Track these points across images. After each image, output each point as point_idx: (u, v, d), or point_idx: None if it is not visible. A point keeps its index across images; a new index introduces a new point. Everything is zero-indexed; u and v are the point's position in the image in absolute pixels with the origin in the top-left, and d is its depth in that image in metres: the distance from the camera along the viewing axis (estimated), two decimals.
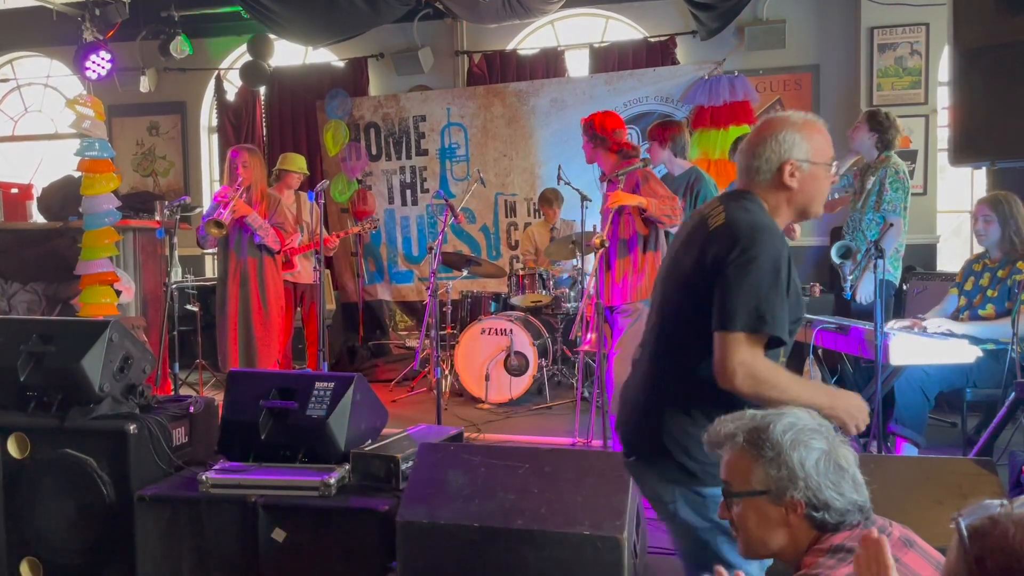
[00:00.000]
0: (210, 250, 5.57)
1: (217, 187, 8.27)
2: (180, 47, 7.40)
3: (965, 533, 1.01)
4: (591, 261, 6.23)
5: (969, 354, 3.54)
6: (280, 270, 5.23)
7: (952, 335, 3.79)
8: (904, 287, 5.97)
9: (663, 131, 4.70)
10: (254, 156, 5.07)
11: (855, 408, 1.91)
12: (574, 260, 6.07)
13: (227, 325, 4.99)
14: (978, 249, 4.34)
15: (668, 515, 1.98)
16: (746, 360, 1.81)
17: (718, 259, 1.87)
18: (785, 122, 1.99)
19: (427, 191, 7.46)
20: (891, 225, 4.29)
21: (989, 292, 3.90)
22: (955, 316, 4.02)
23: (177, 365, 5.15)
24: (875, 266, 3.58)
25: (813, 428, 1.58)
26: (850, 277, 4.49)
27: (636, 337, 4.08)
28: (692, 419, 1.91)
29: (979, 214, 4.00)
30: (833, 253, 4.63)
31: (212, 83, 8.25)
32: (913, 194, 6.36)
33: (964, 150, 3.43)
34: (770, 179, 1.97)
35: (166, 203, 6.42)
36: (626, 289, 4.07)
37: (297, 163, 5.99)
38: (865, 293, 4.36)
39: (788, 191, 1.97)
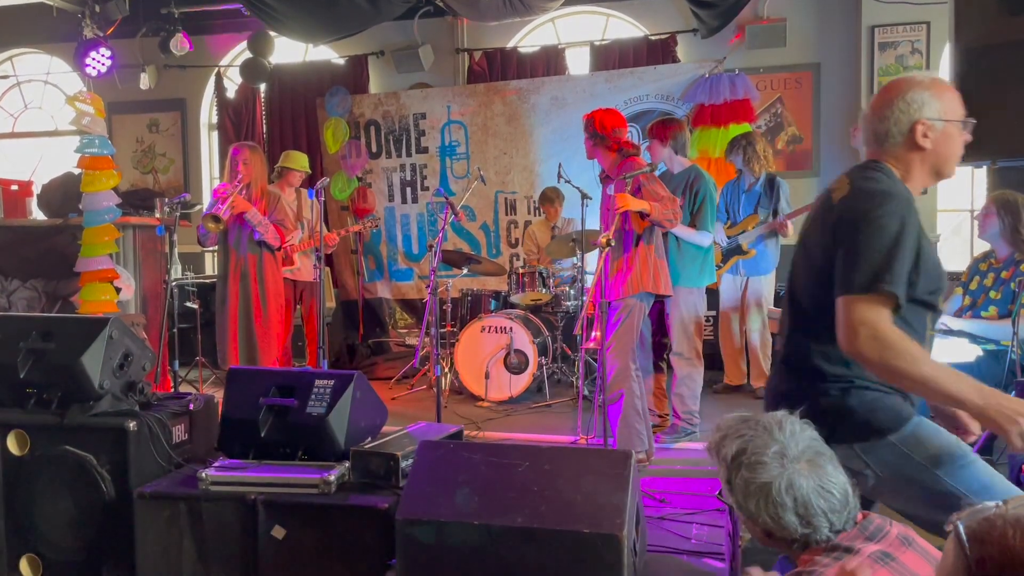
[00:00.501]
0: (211, 248, 5.55)
1: (217, 184, 8.28)
2: (180, 44, 7.40)
3: (964, 536, 1.01)
4: (592, 259, 6.25)
5: (969, 353, 3.54)
6: (280, 267, 5.23)
7: (950, 331, 3.78)
8: None
9: (664, 129, 4.70)
10: (255, 153, 5.07)
11: (1014, 411, 1.69)
12: (574, 258, 6.08)
13: (227, 322, 4.98)
14: (980, 247, 4.34)
15: (874, 482, 1.89)
16: (868, 320, 1.75)
17: (840, 228, 1.85)
18: (911, 82, 1.95)
19: (427, 189, 7.46)
20: None
21: (992, 293, 3.89)
22: (958, 315, 4.02)
23: (177, 362, 5.14)
24: None
25: (759, 457, 1.53)
26: None
27: (629, 332, 4.10)
28: (831, 393, 1.88)
29: (984, 207, 4.00)
30: None
31: (212, 80, 8.25)
32: None
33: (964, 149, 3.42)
34: (902, 142, 1.93)
35: (166, 200, 6.41)
36: (618, 284, 4.07)
37: (299, 161, 5.99)
38: None
39: (921, 152, 1.93)
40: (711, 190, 4.69)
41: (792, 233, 5.51)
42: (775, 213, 5.49)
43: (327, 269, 7.18)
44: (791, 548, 1.54)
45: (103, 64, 6.46)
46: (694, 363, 4.66)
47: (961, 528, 1.02)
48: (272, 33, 7.56)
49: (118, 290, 5.64)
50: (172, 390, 5.12)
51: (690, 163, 4.82)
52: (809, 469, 1.51)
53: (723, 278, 5.76)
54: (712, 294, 6.39)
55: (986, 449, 3.41)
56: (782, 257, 5.81)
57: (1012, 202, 3.87)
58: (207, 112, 8.47)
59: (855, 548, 1.47)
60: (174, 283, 5.32)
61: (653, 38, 7.12)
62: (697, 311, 4.71)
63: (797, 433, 1.55)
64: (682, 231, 4.60)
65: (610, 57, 7.19)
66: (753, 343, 5.62)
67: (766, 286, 5.62)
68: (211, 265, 8.38)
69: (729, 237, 5.62)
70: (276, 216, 5.04)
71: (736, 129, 6.34)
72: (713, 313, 6.47)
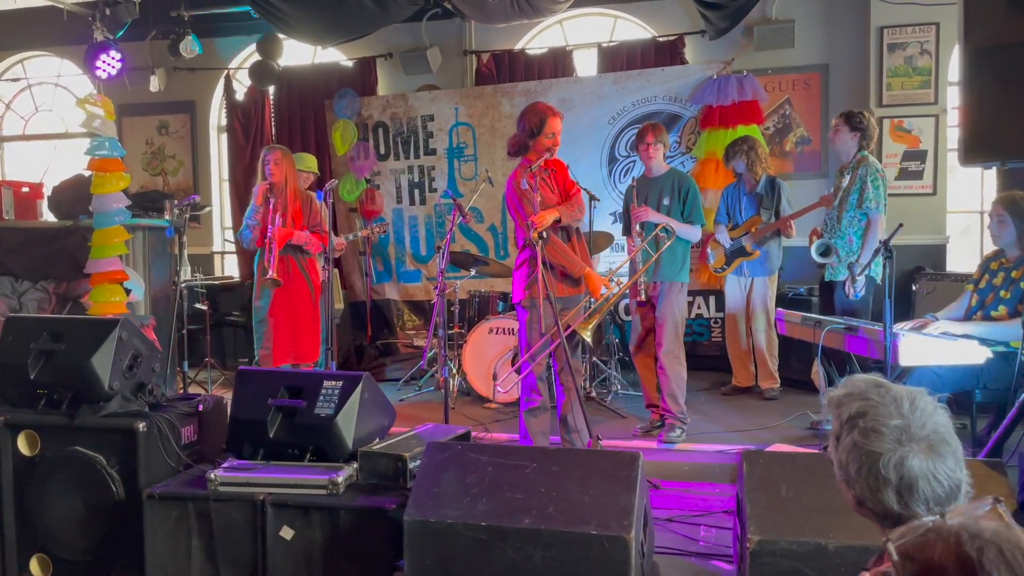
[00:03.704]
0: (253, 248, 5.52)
1: (226, 186, 8.32)
2: (190, 47, 7.43)
3: (895, 555, 1.01)
4: (599, 260, 6.26)
5: (979, 355, 3.52)
6: (317, 262, 5.23)
7: (954, 336, 3.74)
8: (913, 287, 5.96)
9: (660, 131, 4.81)
10: (285, 155, 5.12)
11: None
12: None
13: (269, 323, 4.96)
14: (989, 247, 4.33)
15: None
16: None
17: None
18: None
19: (435, 191, 7.47)
20: (899, 225, 4.32)
21: (1002, 292, 3.87)
22: (967, 315, 3.99)
23: (186, 363, 5.17)
24: (885, 265, 3.58)
25: (877, 426, 1.44)
26: (858, 277, 4.54)
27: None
28: None
29: (994, 214, 3.94)
30: (813, 252, 4.75)
31: (221, 82, 8.28)
32: (923, 194, 6.38)
33: (974, 150, 3.42)
34: None
35: (175, 202, 6.43)
36: (521, 285, 4.16)
37: (307, 162, 6.00)
38: (857, 289, 4.60)
39: None
40: (694, 184, 4.79)
41: (795, 234, 5.51)
42: (777, 214, 5.50)
43: (335, 270, 7.19)
44: (882, 522, 1.46)
45: (113, 67, 6.49)
46: (682, 361, 4.68)
47: (891, 548, 1.02)
48: (281, 36, 7.58)
49: (128, 292, 5.66)
50: (181, 391, 5.15)
51: (668, 167, 4.87)
52: (927, 454, 1.41)
53: (728, 280, 5.76)
54: (719, 297, 6.39)
55: (995, 451, 3.40)
56: (785, 259, 5.80)
57: (1022, 204, 3.85)
58: (216, 114, 8.51)
59: None
60: (183, 284, 5.34)
61: (661, 39, 7.11)
62: (684, 307, 4.76)
63: (928, 414, 1.45)
64: (678, 226, 4.62)
65: (618, 59, 7.19)
66: (759, 344, 5.61)
67: (770, 287, 5.63)
68: (219, 267, 8.41)
69: (732, 239, 5.63)
70: (314, 221, 5.06)
71: (744, 130, 6.33)
72: (721, 315, 6.45)
